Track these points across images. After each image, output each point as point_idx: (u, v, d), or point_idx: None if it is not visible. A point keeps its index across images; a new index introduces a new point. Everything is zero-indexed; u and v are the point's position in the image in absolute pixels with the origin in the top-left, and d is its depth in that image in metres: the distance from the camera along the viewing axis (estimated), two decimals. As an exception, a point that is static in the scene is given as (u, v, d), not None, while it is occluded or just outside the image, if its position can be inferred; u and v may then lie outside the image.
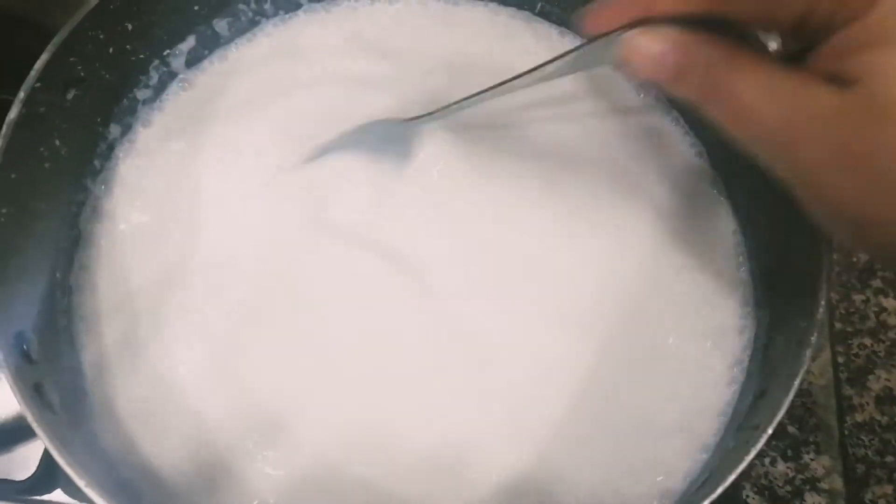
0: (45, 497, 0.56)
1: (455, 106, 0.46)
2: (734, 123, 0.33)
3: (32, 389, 0.41)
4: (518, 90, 0.43)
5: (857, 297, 0.63)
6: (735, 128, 0.33)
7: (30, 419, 0.38)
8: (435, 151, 0.51)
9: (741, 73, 0.32)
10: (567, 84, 0.55)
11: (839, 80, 0.30)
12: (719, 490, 0.37)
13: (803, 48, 0.33)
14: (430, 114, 0.48)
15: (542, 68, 0.40)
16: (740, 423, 0.44)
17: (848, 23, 0.31)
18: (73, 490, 0.56)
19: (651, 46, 0.34)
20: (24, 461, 0.56)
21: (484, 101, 0.45)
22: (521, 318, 0.48)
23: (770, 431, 0.38)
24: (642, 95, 0.55)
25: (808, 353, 0.40)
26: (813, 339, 0.40)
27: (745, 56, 0.33)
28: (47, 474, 0.55)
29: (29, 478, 0.55)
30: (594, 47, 0.37)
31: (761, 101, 0.32)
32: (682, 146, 0.54)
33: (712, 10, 0.33)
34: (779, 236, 0.48)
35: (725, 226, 0.52)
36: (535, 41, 0.57)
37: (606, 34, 0.36)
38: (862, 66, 0.30)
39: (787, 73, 0.32)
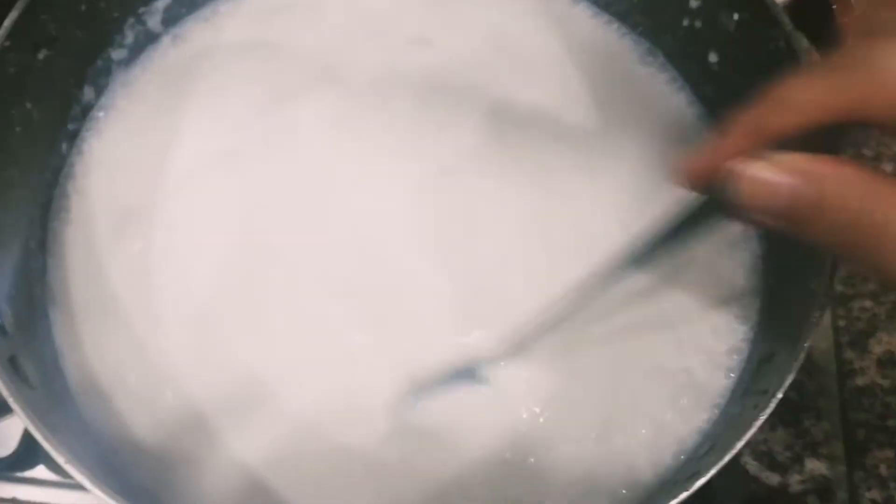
0: (27, 474, 0.55)
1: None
2: (882, 265, 0.28)
3: (7, 362, 0.39)
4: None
5: (859, 260, 0.62)
6: (882, 270, 0.28)
7: (5, 394, 0.37)
8: None
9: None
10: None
11: None
12: (728, 457, 0.36)
13: None
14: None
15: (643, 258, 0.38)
16: (746, 388, 0.43)
17: None
18: (55, 466, 0.55)
19: (775, 174, 0.29)
20: (4, 438, 0.55)
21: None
22: (510, 285, 0.48)
23: (780, 395, 0.37)
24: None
25: (818, 313, 0.39)
26: (823, 299, 0.39)
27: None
28: (28, 451, 0.55)
29: (10, 455, 0.54)
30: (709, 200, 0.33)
31: None
32: (674, 100, 0.54)
33: (846, 113, 0.29)
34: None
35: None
36: None
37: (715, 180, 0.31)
38: None
39: None
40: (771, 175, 0.29)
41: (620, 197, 0.50)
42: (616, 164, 0.51)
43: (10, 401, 0.37)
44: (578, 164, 0.51)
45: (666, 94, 0.54)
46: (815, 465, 0.57)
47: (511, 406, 0.45)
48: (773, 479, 0.57)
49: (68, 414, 0.44)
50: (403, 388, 0.45)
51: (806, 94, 0.30)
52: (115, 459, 0.44)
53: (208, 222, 0.49)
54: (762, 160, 0.29)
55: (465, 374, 0.46)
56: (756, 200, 0.30)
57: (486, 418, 0.45)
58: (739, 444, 0.37)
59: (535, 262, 0.48)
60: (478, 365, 0.46)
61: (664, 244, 0.37)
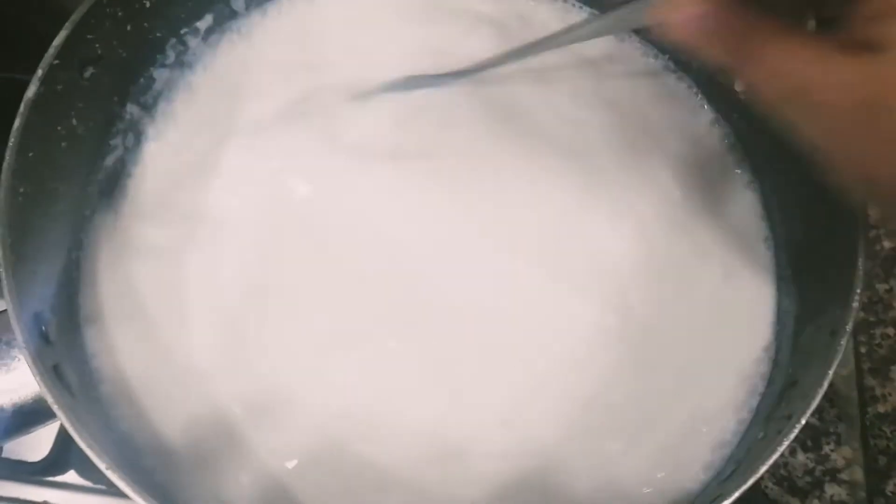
0: (59, 478, 0.56)
1: (488, 63, 0.48)
2: (764, 86, 0.34)
3: (51, 371, 0.40)
4: (548, 50, 0.43)
5: (881, 287, 0.63)
6: (765, 89, 0.34)
7: (50, 401, 0.38)
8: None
9: (771, 39, 0.33)
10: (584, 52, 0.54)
11: (866, 48, 0.31)
12: (751, 480, 0.37)
13: (833, 16, 0.34)
14: (459, 72, 0.49)
15: (576, 30, 0.40)
16: (769, 413, 0.44)
17: None
18: (85, 472, 0.56)
19: (690, 7, 0.35)
20: (37, 443, 0.56)
21: (514, 62, 0.46)
22: (533, 304, 0.48)
23: (803, 421, 0.38)
24: (657, 59, 0.55)
25: (843, 341, 0.39)
26: (848, 327, 0.39)
27: (777, 24, 0.34)
28: (60, 456, 0.55)
29: (42, 459, 0.55)
30: (631, 8, 0.38)
31: (789, 63, 0.32)
32: (700, 117, 0.54)
33: None
34: (809, 219, 0.47)
35: (750, 207, 0.51)
36: None
37: None
38: (885, 35, 0.31)
39: (818, 40, 0.33)
40: (688, 7, 0.34)
41: (645, 215, 0.50)
42: (642, 183, 0.51)
43: (55, 407, 0.38)
44: (601, 181, 0.51)
45: (693, 118, 0.54)
46: (835, 491, 0.57)
47: (531, 432, 0.46)
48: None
49: (103, 421, 0.45)
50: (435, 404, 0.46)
51: None
52: (145, 464, 0.45)
53: (240, 233, 0.50)
54: None
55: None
56: (672, 19, 0.35)
57: (508, 437, 0.45)
58: (763, 468, 0.37)
59: (552, 280, 0.49)
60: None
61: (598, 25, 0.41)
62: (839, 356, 0.39)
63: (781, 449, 0.37)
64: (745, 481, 0.37)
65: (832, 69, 0.32)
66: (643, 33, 0.55)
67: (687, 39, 0.35)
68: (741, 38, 0.34)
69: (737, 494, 0.36)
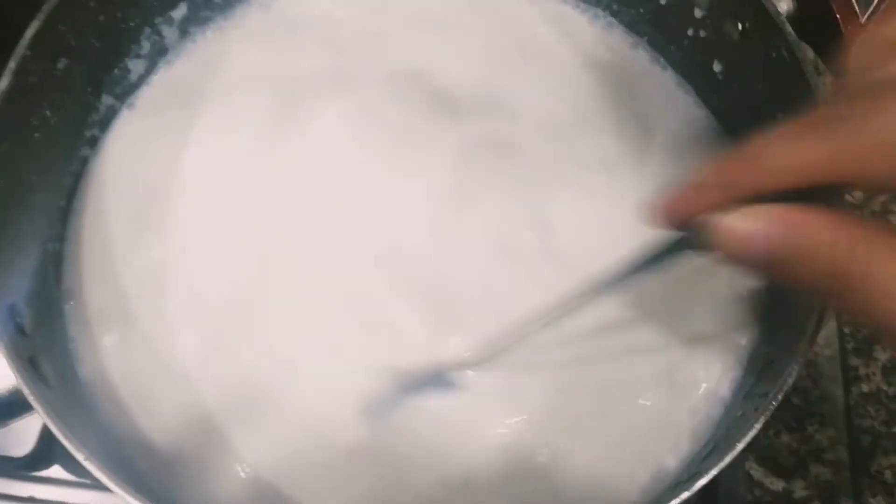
0: (43, 473, 0.56)
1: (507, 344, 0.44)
2: (867, 313, 0.27)
3: (27, 363, 0.40)
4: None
5: (864, 267, 0.63)
6: (867, 318, 0.27)
7: (26, 392, 0.38)
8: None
9: (879, 253, 0.26)
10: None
11: None
12: (728, 458, 0.37)
13: None
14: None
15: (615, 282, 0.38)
16: (748, 391, 0.44)
17: None
18: (70, 466, 0.55)
19: (756, 223, 0.29)
20: (21, 437, 0.56)
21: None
22: (517, 287, 0.48)
23: (780, 398, 0.38)
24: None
25: (818, 316, 0.39)
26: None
27: (879, 230, 0.27)
28: (45, 450, 0.55)
29: (27, 454, 0.55)
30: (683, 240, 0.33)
31: None
32: (683, 109, 0.54)
33: (829, 174, 0.28)
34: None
35: None
36: None
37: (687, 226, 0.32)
38: None
39: None
40: (745, 226, 0.29)
41: (630, 205, 0.50)
42: (628, 172, 0.51)
43: (31, 399, 0.38)
44: (589, 170, 0.51)
45: (674, 102, 0.54)
46: (819, 471, 0.57)
47: (519, 419, 0.46)
48: (778, 484, 0.57)
49: (83, 414, 0.45)
50: (388, 390, 0.46)
51: (788, 158, 0.28)
52: (127, 458, 0.45)
53: (221, 227, 0.50)
54: (736, 212, 0.29)
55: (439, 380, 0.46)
56: (732, 250, 0.29)
57: (492, 427, 0.46)
58: (740, 446, 0.37)
59: (540, 271, 0.49)
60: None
61: (643, 270, 0.37)
62: (815, 332, 0.39)
63: (758, 426, 0.37)
64: (721, 459, 0.37)
65: None
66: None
67: (760, 262, 0.29)
68: (839, 252, 0.27)
69: (714, 472, 0.37)
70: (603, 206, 0.50)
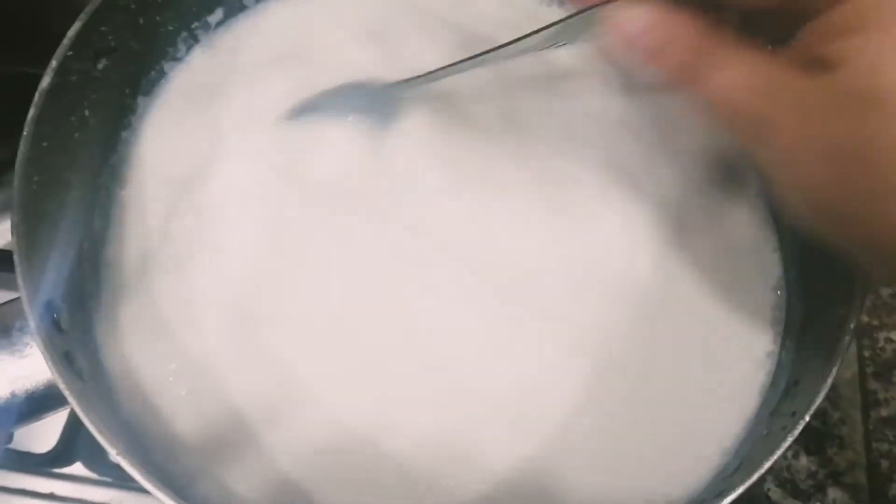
0: (65, 470, 0.56)
1: (440, 72, 0.45)
2: (711, 106, 0.32)
3: (63, 357, 0.41)
4: (502, 60, 0.42)
5: (885, 291, 0.63)
6: (712, 110, 0.33)
7: (61, 387, 0.38)
8: (417, 122, 0.51)
9: (721, 55, 0.32)
10: (569, 58, 0.54)
11: (820, 66, 0.30)
12: (755, 476, 0.37)
13: (787, 33, 0.33)
14: (410, 79, 0.47)
15: (525, 39, 0.39)
16: (773, 409, 0.44)
17: (828, 7, 0.30)
18: (92, 464, 0.56)
19: (632, 21, 0.33)
20: (44, 434, 0.56)
21: (467, 70, 0.44)
22: (529, 310, 0.48)
23: (807, 418, 0.38)
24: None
25: (847, 338, 0.39)
26: (852, 325, 0.40)
27: (726, 39, 0.32)
28: (67, 448, 0.56)
29: (49, 451, 0.55)
30: (576, 21, 0.36)
31: (740, 84, 0.31)
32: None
33: None
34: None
35: (750, 211, 0.51)
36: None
37: (589, 7, 0.35)
38: (840, 51, 0.29)
39: (767, 58, 0.32)
40: (628, 15, 0.34)
41: (650, 214, 0.50)
42: (660, 187, 0.51)
43: (66, 393, 0.38)
44: (624, 185, 0.51)
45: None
46: (837, 495, 0.57)
47: (537, 436, 0.46)
48: (796, 506, 0.57)
49: (112, 409, 0.45)
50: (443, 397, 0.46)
51: None
52: (154, 453, 0.45)
53: (250, 224, 0.50)
54: (624, 2, 0.34)
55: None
56: (617, 29, 0.34)
57: (513, 438, 0.45)
58: (767, 464, 0.37)
59: (556, 283, 0.48)
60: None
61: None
62: (843, 354, 0.39)
63: (785, 445, 0.37)
64: (748, 477, 0.37)
65: (787, 87, 0.30)
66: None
67: (632, 55, 0.34)
68: (690, 53, 0.32)
69: (741, 490, 0.37)
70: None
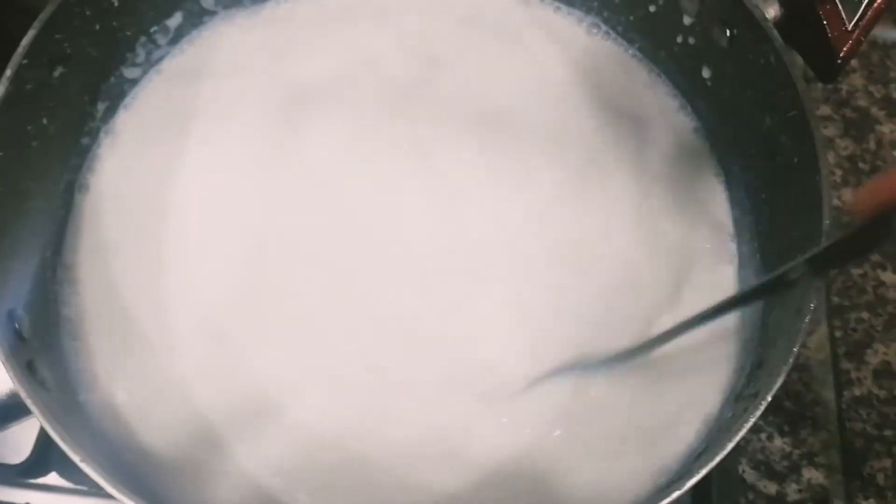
0: (40, 480, 0.56)
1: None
2: None
3: (25, 367, 0.40)
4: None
5: (855, 272, 0.63)
6: None
7: (23, 395, 0.38)
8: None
9: None
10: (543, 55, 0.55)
11: None
12: (717, 458, 0.37)
13: None
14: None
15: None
16: (738, 393, 0.44)
17: None
18: (67, 473, 0.56)
19: None
20: (17, 445, 0.56)
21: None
22: (510, 296, 0.49)
23: (769, 398, 0.38)
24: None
25: (806, 320, 0.40)
26: (811, 305, 0.40)
27: None
28: (41, 458, 0.55)
29: (23, 462, 0.55)
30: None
31: None
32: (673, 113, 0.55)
33: None
34: (776, 204, 0.48)
35: (721, 197, 0.52)
36: None
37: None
38: None
39: None
40: None
41: (625, 207, 0.51)
42: (622, 176, 0.52)
43: (29, 402, 0.38)
44: (585, 175, 0.52)
45: (665, 107, 0.55)
46: (812, 475, 0.57)
47: (523, 427, 0.46)
48: (771, 488, 0.57)
49: (81, 419, 0.45)
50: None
51: None
52: (124, 463, 0.45)
53: (220, 236, 0.50)
54: None
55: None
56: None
57: (500, 436, 0.46)
58: (730, 445, 0.37)
59: (539, 276, 0.49)
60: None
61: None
62: (803, 334, 0.39)
63: (748, 426, 0.38)
64: (712, 459, 0.37)
65: None
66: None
67: None
68: None
69: (704, 471, 0.37)
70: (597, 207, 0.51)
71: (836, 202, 0.42)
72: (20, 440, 0.55)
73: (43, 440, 0.56)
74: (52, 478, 0.56)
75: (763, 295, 0.43)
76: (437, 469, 0.45)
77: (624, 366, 0.45)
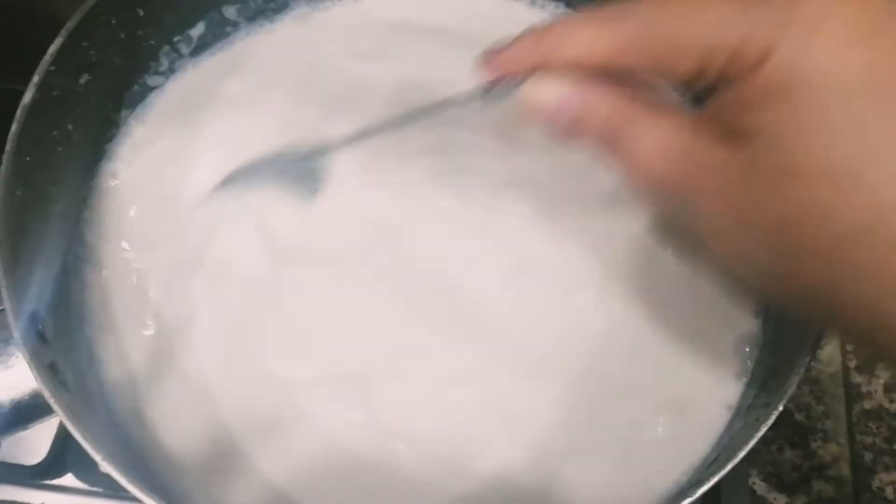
0: (56, 481, 0.56)
1: (371, 130, 0.45)
2: (631, 175, 0.33)
3: (47, 368, 0.41)
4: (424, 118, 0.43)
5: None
6: (633, 179, 0.33)
7: (47, 396, 0.39)
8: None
9: (639, 125, 0.33)
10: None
11: (736, 135, 0.31)
12: (729, 466, 0.37)
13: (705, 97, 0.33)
14: (323, 148, 0.48)
15: (447, 104, 0.40)
16: (750, 402, 0.44)
17: (740, 78, 0.31)
18: (83, 474, 0.56)
19: (549, 95, 0.34)
20: (34, 446, 0.56)
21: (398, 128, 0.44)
22: (518, 309, 0.48)
23: (780, 408, 0.38)
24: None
25: (818, 330, 0.40)
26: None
27: (645, 107, 0.33)
28: (58, 459, 0.56)
29: (40, 462, 0.55)
30: (496, 91, 0.37)
31: (658, 154, 0.32)
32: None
33: (610, 61, 0.33)
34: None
35: None
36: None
37: (505, 81, 0.36)
38: (752, 122, 0.30)
39: (686, 127, 0.32)
40: (545, 90, 0.34)
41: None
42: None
43: (51, 402, 0.39)
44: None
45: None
46: (822, 487, 0.58)
47: (529, 433, 0.46)
48: (781, 500, 0.57)
49: (102, 420, 0.46)
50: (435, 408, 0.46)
51: (575, 44, 0.34)
52: (146, 464, 0.45)
53: (242, 240, 0.50)
54: (540, 77, 0.34)
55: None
56: (531, 105, 0.35)
57: (507, 443, 0.46)
58: (742, 454, 0.38)
59: (547, 270, 0.49)
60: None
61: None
62: (814, 344, 0.40)
63: (758, 435, 0.38)
64: (723, 467, 0.37)
65: (707, 157, 0.31)
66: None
67: (552, 127, 0.34)
68: (608, 122, 0.33)
69: (715, 479, 0.37)
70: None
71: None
72: (37, 441, 0.56)
73: (59, 441, 0.57)
74: (69, 479, 0.56)
75: None
76: (451, 473, 0.45)
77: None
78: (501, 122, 0.51)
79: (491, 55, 0.36)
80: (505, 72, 0.36)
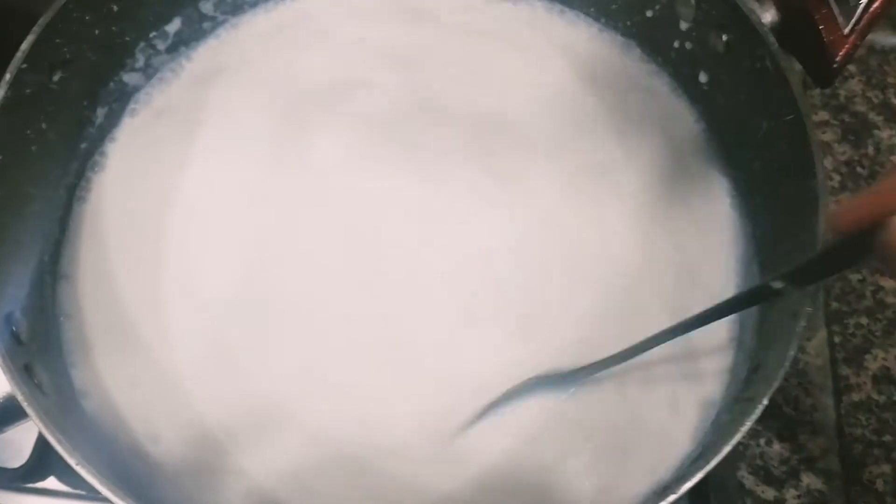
0: (39, 485, 0.56)
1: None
2: None
3: (22, 370, 0.40)
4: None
5: (854, 277, 0.63)
6: None
7: (19, 398, 0.38)
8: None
9: None
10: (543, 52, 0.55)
11: None
12: (713, 462, 0.37)
13: None
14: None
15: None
16: (735, 397, 0.44)
17: None
18: (66, 477, 0.56)
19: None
20: (17, 449, 0.56)
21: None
22: (510, 300, 0.49)
23: (766, 402, 0.38)
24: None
25: (802, 323, 0.40)
26: (807, 310, 0.40)
27: None
28: (40, 462, 0.55)
29: (22, 465, 0.55)
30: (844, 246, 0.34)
31: None
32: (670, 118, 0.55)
33: None
34: (773, 213, 0.48)
35: (721, 199, 0.52)
36: None
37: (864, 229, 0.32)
38: None
39: None
40: None
41: (624, 212, 0.51)
42: (619, 181, 0.52)
43: (25, 405, 0.38)
44: (583, 181, 0.52)
45: (663, 113, 0.55)
46: (811, 480, 0.57)
47: (522, 433, 0.46)
48: (770, 493, 0.57)
49: (79, 423, 0.45)
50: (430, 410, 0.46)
51: None
52: (123, 467, 0.45)
53: (221, 242, 0.50)
54: None
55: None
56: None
57: (500, 441, 0.46)
58: (726, 449, 0.37)
59: (540, 285, 0.49)
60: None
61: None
62: (799, 337, 0.40)
63: (744, 429, 0.38)
64: (708, 462, 0.37)
65: None
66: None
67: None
68: None
69: (700, 474, 0.37)
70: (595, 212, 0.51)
71: (833, 207, 0.42)
72: (19, 444, 0.55)
73: (42, 444, 0.56)
74: (51, 482, 0.56)
75: (747, 304, 0.43)
76: (440, 472, 0.45)
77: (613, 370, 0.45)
78: None
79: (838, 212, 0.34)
80: (856, 223, 0.33)
